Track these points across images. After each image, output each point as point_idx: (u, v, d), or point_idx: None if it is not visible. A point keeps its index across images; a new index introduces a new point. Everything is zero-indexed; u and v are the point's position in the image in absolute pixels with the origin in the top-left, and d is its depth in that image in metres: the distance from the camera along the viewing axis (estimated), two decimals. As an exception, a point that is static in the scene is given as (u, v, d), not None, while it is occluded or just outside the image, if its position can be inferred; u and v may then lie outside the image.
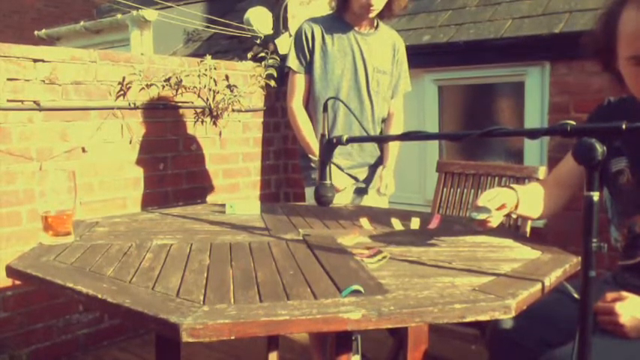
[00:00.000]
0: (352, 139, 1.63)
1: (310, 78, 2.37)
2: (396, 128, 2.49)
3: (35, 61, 2.61)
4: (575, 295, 1.07)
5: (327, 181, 1.61)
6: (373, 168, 2.48)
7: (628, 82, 1.35)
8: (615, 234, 1.51)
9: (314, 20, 2.41)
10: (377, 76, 2.40)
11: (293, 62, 2.38)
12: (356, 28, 2.38)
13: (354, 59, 2.36)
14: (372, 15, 2.31)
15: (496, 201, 1.43)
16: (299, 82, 2.39)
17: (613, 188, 1.50)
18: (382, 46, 2.42)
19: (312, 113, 2.41)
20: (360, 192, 2.48)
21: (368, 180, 2.48)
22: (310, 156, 2.38)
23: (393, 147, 2.46)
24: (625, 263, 1.48)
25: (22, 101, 2.59)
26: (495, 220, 1.42)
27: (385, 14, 2.36)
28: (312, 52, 2.35)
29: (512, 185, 1.54)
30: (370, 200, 2.46)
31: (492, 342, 1.57)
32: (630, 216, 1.45)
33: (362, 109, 2.39)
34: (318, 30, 2.35)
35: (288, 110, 2.44)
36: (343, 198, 2.39)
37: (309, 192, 2.42)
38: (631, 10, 1.28)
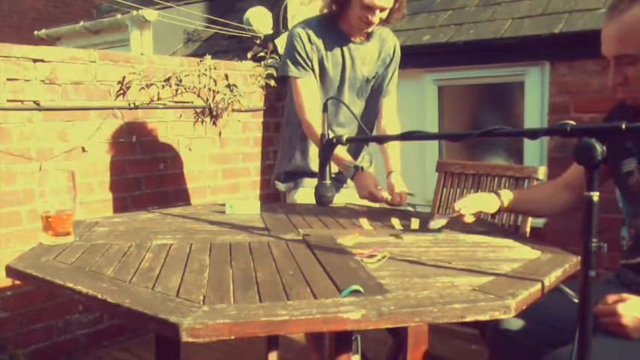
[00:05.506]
0: (352, 139, 1.65)
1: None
2: (391, 129, 2.34)
3: (35, 61, 2.61)
4: (575, 300, 1.07)
5: (327, 181, 1.61)
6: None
7: None
8: (625, 233, 1.52)
9: (306, 25, 2.24)
10: (367, 86, 2.32)
11: (293, 70, 2.20)
12: (350, 38, 2.25)
13: (343, 70, 2.25)
14: (369, 30, 2.21)
15: (471, 207, 1.62)
16: (305, 89, 2.21)
17: (623, 189, 1.50)
18: (374, 53, 2.31)
19: None
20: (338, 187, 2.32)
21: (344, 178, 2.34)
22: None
23: (395, 149, 2.33)
24: (628, 262, 1.48)
25: (22, 101, 2.59)
26: (468, 218, 1.63)
27: (381, 24, 2.23)
28: (310, 56, 2.20)
29: (498, 191, 1.70)
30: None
31: (493, 342, 1.57)
32: (638, 216, 1.45)
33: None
34: (313, 35, 2.21)
35: (303, 125, 2.23)
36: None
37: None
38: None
